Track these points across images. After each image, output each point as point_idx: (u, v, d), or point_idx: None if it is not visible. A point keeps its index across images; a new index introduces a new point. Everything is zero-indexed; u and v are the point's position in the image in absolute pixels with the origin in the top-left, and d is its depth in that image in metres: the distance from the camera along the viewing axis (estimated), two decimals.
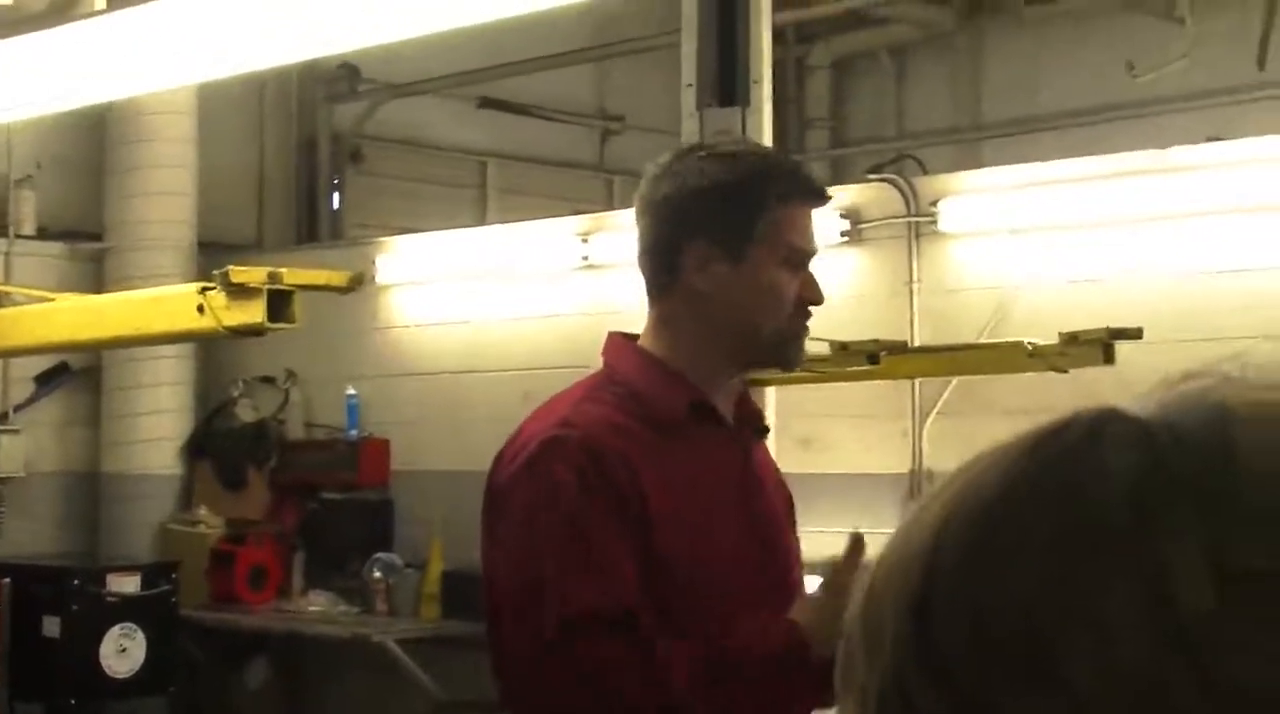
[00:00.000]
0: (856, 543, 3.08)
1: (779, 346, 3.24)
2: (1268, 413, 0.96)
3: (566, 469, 3.04)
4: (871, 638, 0.99)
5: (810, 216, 3.26)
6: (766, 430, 3.52)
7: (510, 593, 3.15)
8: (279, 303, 5.13)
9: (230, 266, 5.24)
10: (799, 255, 3.21)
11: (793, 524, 3.52)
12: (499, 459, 3.18)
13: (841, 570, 3.07)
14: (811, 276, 3.22)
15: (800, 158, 12.10)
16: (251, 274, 5.17)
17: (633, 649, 3.00)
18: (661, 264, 3.20)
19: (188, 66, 5.96)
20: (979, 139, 12.03)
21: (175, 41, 5.64)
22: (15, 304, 7.23)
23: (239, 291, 5.15)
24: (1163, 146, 8.43)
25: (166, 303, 5.99)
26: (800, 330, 3.26)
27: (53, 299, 6.52)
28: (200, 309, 5.27)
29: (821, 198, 3.31)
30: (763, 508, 3.35)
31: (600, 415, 3.16)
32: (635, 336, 3.30)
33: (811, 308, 3.25)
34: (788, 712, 3.21)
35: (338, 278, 5.78)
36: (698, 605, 3.13)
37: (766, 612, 3.18)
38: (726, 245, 3.11)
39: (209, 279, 8.18)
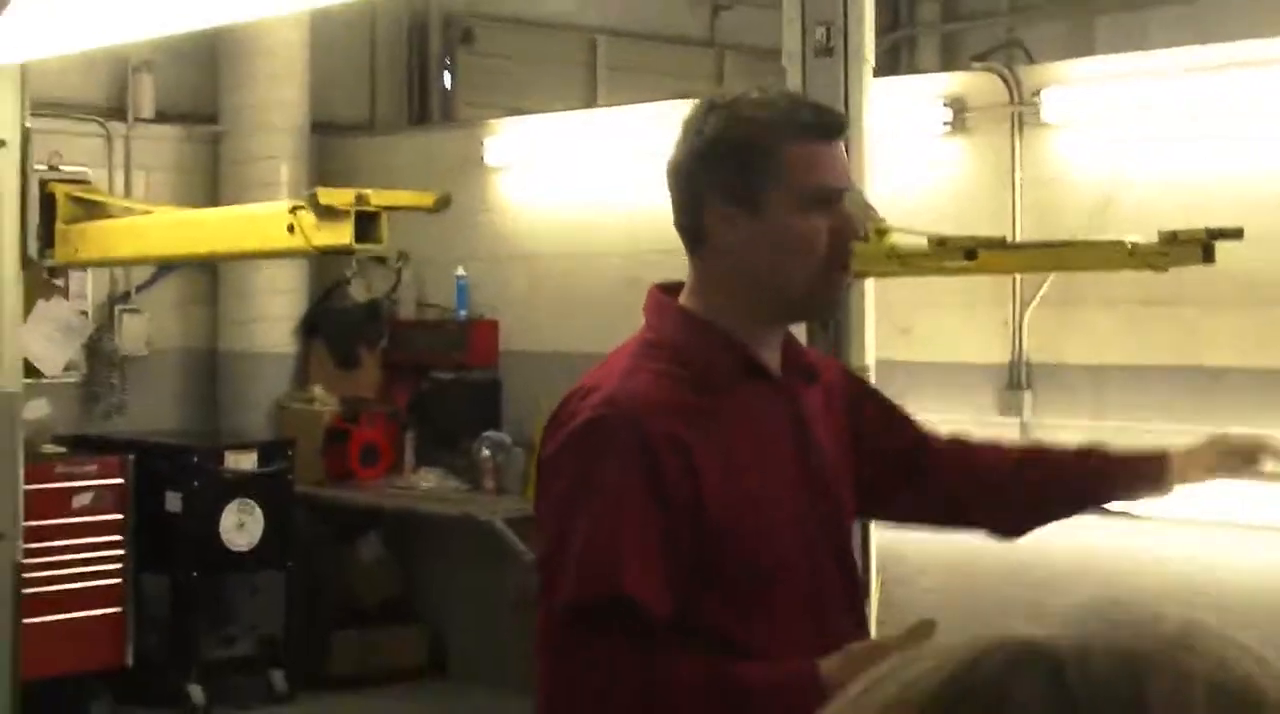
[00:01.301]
0: (924, 626, 2.86)
1: (812, 298, 3.16)
2: (1182, 677, 1.01)
3: (609, 454, 2.98)
4: None
5: (832, 152, 3.12)
6: (817, 376, 3.34)
7: (543, 565, 3.07)
8: (366, 223, 5.21)
9: (319, 188, 5.29)
10: (825, 193, 3.08)
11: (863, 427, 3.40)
12: (547, 429, 3.10)
13: (893, 643, 2.87)
14: (845, 212, 3.11)
15: (911, 32, 12.06)
16: (339, 196, 5.23)
17: (636, 644, 2.94)
18: (690, 227, 3.11)
19: None
20: (1091, 15, 11.73)
21: None
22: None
23: (328, 213, 5.21)
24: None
25: (259, 221, 6.02)
26: (836, 276, 3.15)
27: (151, 212, 6.58)
28: (290, 229, 5.33)
29: (836, 130, 3.17)
30: (818, 461, 3.22)
31: (647, 390, 3.05)
32: (677, 289, 3.18)
33: (853, 246, 3.14)
34: None
35: (425, 199, 5.81)
36: (754, 572, 3.08)
37: (815, 566, 3.15)
38: (742, 199, 3.02)
39: (323, 160, 8.24)
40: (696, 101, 3.15)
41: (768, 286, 3.05)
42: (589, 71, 11.29)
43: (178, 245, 6.69)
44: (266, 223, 5.68)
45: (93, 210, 6.94)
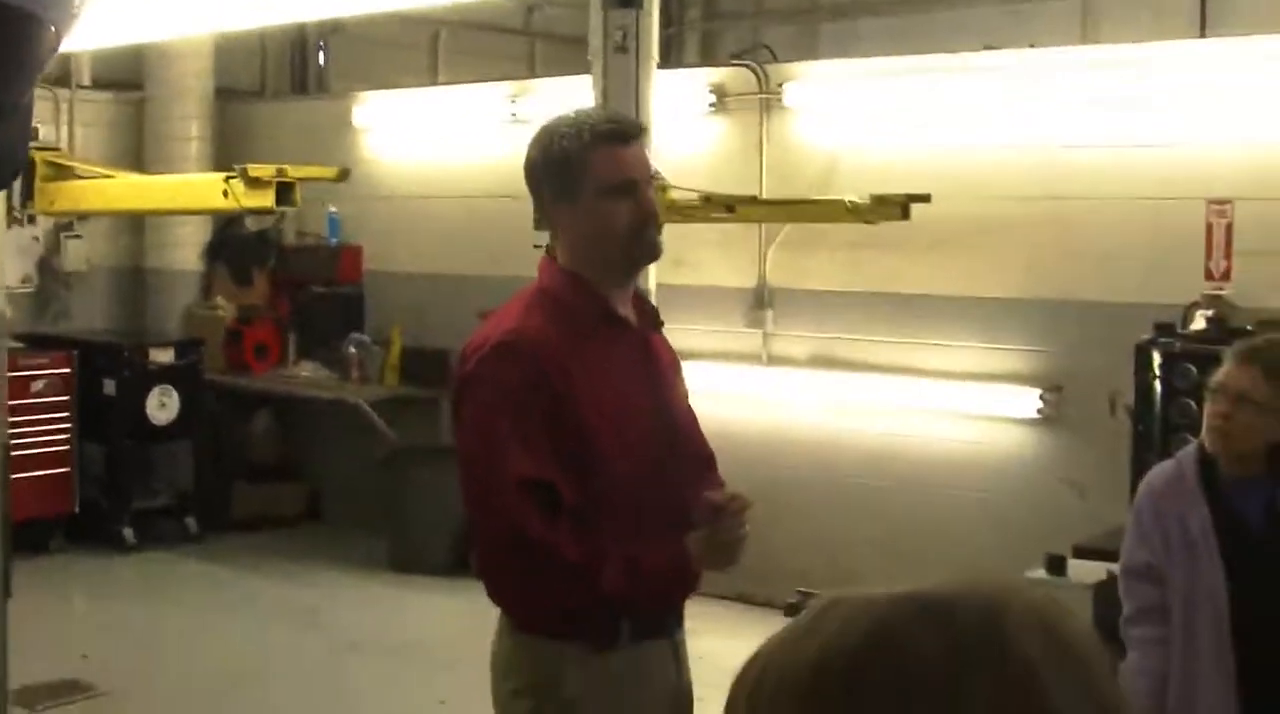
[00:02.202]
0: (735, 500, 3.11)
1: (630, 257, 3.22)
2: (1024, 609, 1.07)
3: (514, 366, 3.09)
4: None
5: (628, 152, 3.18)
6: (662, 324, 3.44)
7: (468, 460, 3.16)
8: (285, 190, 5.25)
9: (248, 164, 5.27)
10: (624, 183, 3.16)
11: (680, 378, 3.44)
12: (462, 356, 3.17)
13: (721, 513, 3.09)
14: (643, 194, 3.17)
15: (680, 29, 11.99)
16: (264, 170, 5.27)
17: (548, 511, 3.04)
18: (541, 216, 3.25)
19: None
20: (816, 23, 11.38)
21: None
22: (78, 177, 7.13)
23: (254, 182, 5.25)
24: (961, 38, 8.59)
25: (200, 187, 6.00)
26: (644, 241, 3.21)
27: (112, 176, 6.48)
28: (225, 194, 5.36)
29: (626, 136, 3.20)
30: (664, 389, 3.32)
31: (538, 324, 3.16)
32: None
33: (654, 212, 3.20)
34: (664, 598, 3.22)
35: (329, 172, 5.86)
36: (616, 468, 3.14)
37: (670, 472, 3.22)
38: (564, 196, 3.15)
39: (225, 120, 8.13)
40: (543, 124, 3.25)
41: (595, 254, 3.17)
42: (433, 55, 11.32)
43: (134, 202, 6.67)
44: (206, 188, 5.71)
45: (63, 171, 6.85)
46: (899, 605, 1.07)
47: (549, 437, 3.07)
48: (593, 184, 3.13)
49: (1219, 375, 3.60)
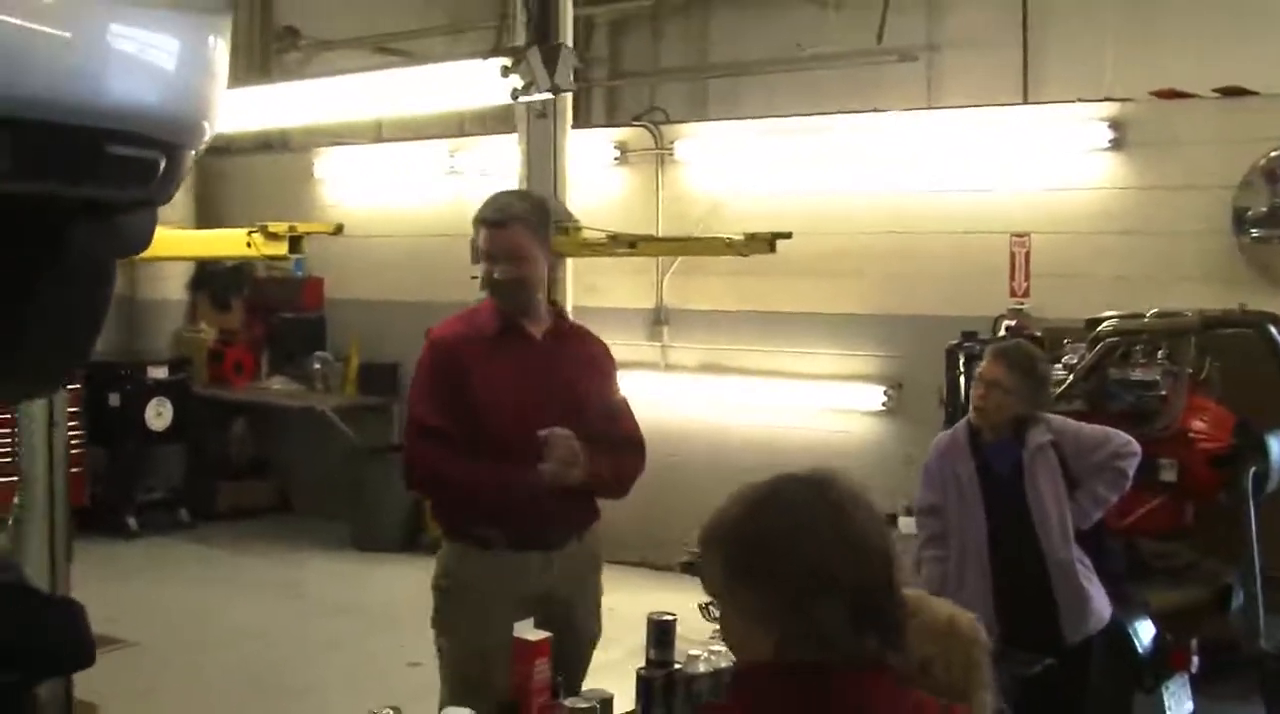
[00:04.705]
0: (553, 436, 3.66)
1: (493, 297, 3.82)
2: (846, 481, 1.69)
3: (432, 353, 3.83)
4: (710, 564, 1.68)
5: (488, 234, 3.75)
6: (570, 339, 3.93)
7: (409, 405, 3.92)
8: (295, 241, 5.79)
9: (268, 223, 5.76)
10: (484, 252, 3.77)
11: (606, 379, 3.95)
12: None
13: (555, 444, 3.66)
14: (496, 267, 3.76)
15: (588, 85, 12.12)
16: (279, 227, 5.76)
17: (442, 446, 3.71)
18: None
19: None
20: (705, 81, 11.17)
21: None
22: None
23: (272, 236, 5.74)
24: (822, 96, 9.03)
25: (229, 239, 6.35)
26: (502, 298, 3.78)
27: None
28: (248, 244, 5.82)
29: (485, 223, 3.77)
30: (556, 381, 3.81)
31: (458, 327, 3.87)
32: None
33: (511, 281, 3.74)
34: (520, 506, 3.72)
35: (328, 227, 6.41)
36: (491, 422, 3.72)
37: (534, 427, 3.69)
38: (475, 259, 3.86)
39: (201, 171, 8.08)
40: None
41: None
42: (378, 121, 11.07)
43: (173, 250, 7.02)
44: (234, 240, 6.07)
45: None
46: (782, 478, 1.73)
47: (449, 400, 3.73)
48: (476, 249, 3.82)
49: (980, 368, 4.53)
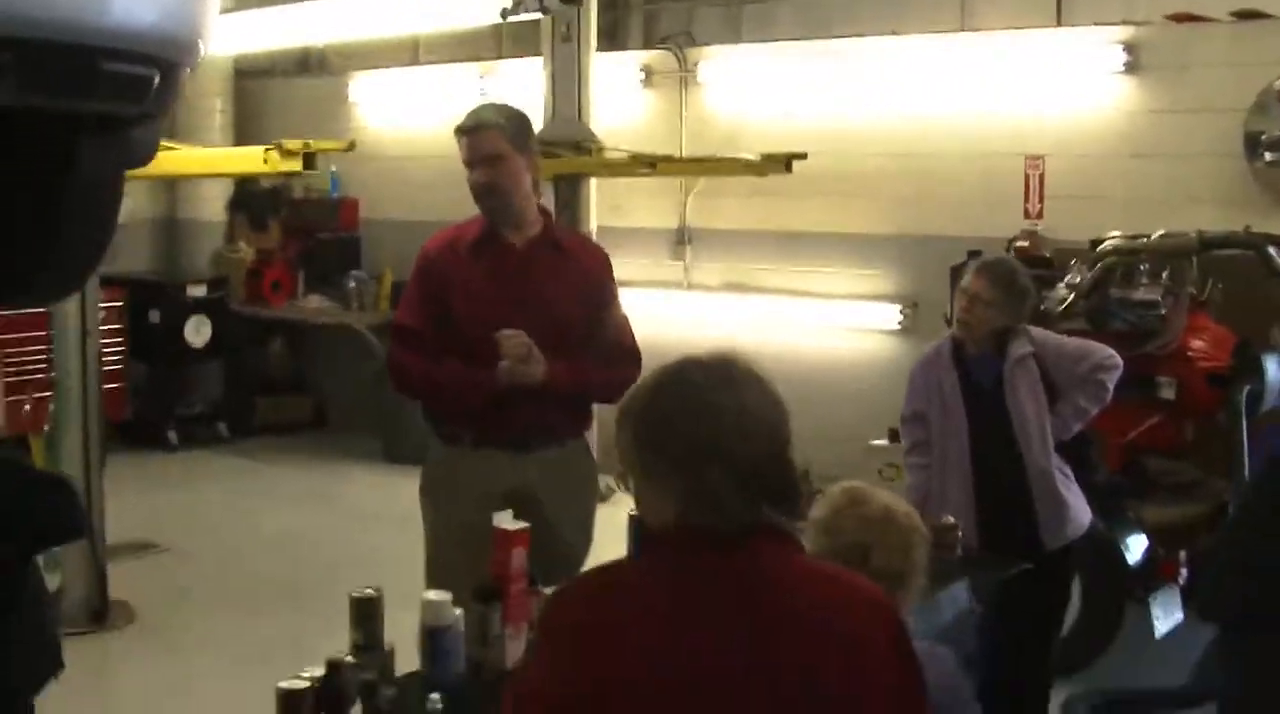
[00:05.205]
0: (502, 336, 3.73)
1: (480, 208, 3.91)
2: (745, 360, 1.85)
3: (419, 261, 3.93)
4: (622, 438, 1.83)
5: (463, 142, 3.86)
6: (560, 248, 3.96)
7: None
8: (309, 157, 5.75)
9: (283, 139, 5.75)
10: (465, 161, 3.86)
11: (597, 291, 3.94)
12: None
13: (505, 342, 3.74)
14: (472, 174, 3.85)
15: (625, 13, 12.13)
16: (294, 144, 5.73)
17: (418, 349, 3.83)
18: None
19: None
20: (741, 6, 10.45)
21: None
22: None
23: (288, 153, 5.72)
24: (860, 20, 8.82)
25: (248, 156, 6.34)
26: (481, 202, 3.85)
27: (177, 148, 6.67)
28: (265, 161, 5.82)
29: (461, 131, 3.88)
30: (532, 287, 3.87)
31: (446, 237, 3.95)
32: None
33: (484, 183, 3.80)
34: (481, 404, 3.81)
35: (341, 144, 6.30)
36: (464, 325, 3.81)
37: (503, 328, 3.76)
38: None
39: (241, 94, 8.09)
40: None
41: None
42: (414, 44, 11.10)
43: (198, 168, 7.16)
44: (252, 157, 6.06)
45: None
46: (687, 359, 1.89)
47: (431, 307, 3.85)
48: (462, 159, 3.88)
49: (963, 282, 4.64)
